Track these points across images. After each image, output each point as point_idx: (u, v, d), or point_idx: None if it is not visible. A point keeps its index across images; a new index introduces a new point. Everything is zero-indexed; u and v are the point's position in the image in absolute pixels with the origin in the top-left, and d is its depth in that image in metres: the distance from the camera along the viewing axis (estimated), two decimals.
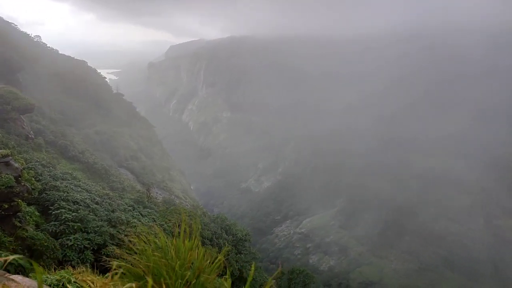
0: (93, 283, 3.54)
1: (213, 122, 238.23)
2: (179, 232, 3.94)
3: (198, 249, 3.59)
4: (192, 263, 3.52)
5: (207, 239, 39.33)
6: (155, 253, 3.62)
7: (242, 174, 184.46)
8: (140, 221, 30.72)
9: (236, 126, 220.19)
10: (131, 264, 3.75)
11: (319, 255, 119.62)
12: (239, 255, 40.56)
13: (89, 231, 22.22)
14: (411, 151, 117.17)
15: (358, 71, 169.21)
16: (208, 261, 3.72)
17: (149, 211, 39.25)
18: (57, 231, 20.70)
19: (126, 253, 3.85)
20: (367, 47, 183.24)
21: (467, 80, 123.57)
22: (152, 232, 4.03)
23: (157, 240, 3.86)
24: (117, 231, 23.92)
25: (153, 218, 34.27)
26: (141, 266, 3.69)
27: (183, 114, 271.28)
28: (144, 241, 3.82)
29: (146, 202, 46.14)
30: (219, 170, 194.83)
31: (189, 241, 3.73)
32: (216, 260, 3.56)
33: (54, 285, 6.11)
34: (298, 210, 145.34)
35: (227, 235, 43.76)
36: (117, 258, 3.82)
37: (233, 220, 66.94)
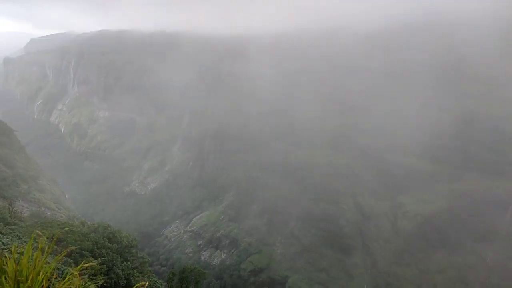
0: None
1: (88, 123, 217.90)
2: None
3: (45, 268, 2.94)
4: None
5: (87, 251, 35.80)
6: None
7: (125, 177, 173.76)
8: (0, 241, 26.17)
9: (115, 126, 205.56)
10: None
11: (211, 250, 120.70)
12: (125, 263, 37.96)
13: None
14: (291, 144, 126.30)
15: (242, 69, 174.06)
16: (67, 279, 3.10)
17: (12, 227, 33.85)
18: None
19: None
20: (252, 44, 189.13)
21: (332, 76, 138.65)
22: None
23: None
24: None
25: (17, 235, 29.63)
26: None
27: (51, 116, 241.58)
28: None
29: (8, 218, 39.75)
30: (99, 175, 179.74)
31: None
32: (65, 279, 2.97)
33: None
34: (187, 209, 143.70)
35: (110, 243, 40.49)
36: None
37: (117, 227, 62.39)
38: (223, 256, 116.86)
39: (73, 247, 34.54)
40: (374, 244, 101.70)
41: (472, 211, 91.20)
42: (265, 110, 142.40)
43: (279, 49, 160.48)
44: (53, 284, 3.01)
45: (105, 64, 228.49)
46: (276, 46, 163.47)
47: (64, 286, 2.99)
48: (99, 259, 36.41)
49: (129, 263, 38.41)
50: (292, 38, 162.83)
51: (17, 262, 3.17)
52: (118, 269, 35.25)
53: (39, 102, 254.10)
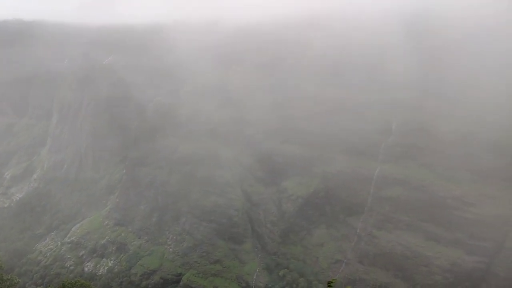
0: None
1: None
2: None
3: None
4: None
5: None
6: None
7: None
8: None
9: None
10: None
11: (96, 259, 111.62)
12: None
13: None
14: (176, 137, 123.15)
15: (118, 61, 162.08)
16: None
17: None
18: None
19: None
20: (125, 35, 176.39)
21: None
22: None
23: None
24: None
25: None
26: None
27: None
28: None
29: None
30: None
31: None
32: None
33: None
34: (64, 218, 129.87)
35: None
36: None
37: None
38: (110, 264, 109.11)
39: None
40: (263, 228, 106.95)
41: (343, 188, 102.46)
42: (145, 103, 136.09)
43: (156, 40, 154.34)
44: None
45: None
46: (153, 37, 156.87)
47: None
48: None
49: None
50: (169, 29, 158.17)
51: None
52: None
53: None
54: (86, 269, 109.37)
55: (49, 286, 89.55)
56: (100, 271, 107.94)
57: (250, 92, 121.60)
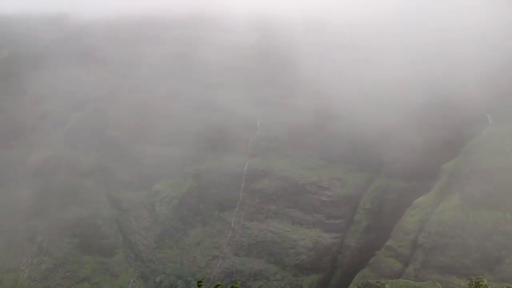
0: None
1: None
2: None
3: None
4: None
5: None
6: None
7: None
8: None
9: None
10: None
11: None
12: None
13: None
14: (25, 146, 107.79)
15: None
16: None
17: None
18: None
19: None
20: None
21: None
22: None
23: None
24: None
25: None
26: None
27: None
28: None
29: None
30: None
31: None
32: None
33: None
34: None
35: None
36: None
37: None
38: None
39: None
40: (136, 236, 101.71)
41: (216, 185, 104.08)
42: None
43: None
44: None
45: None
46: None
47: None
48: None
49: None
50: (9, 22, 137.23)
51: None
52: None
53: None
54: None
55: None
56: None
57: (110, 91, 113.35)
